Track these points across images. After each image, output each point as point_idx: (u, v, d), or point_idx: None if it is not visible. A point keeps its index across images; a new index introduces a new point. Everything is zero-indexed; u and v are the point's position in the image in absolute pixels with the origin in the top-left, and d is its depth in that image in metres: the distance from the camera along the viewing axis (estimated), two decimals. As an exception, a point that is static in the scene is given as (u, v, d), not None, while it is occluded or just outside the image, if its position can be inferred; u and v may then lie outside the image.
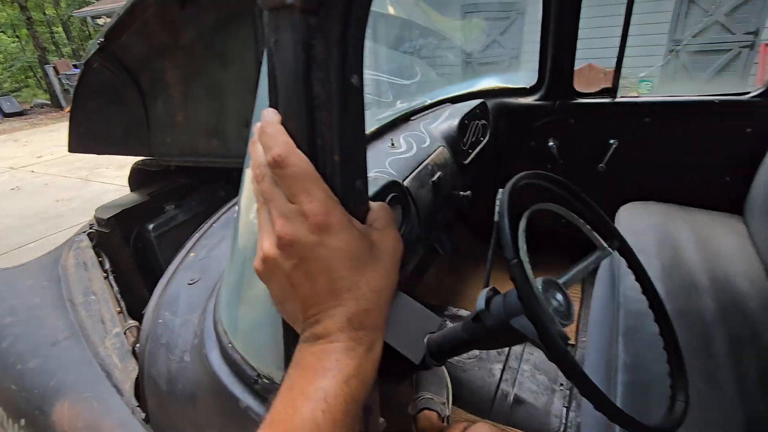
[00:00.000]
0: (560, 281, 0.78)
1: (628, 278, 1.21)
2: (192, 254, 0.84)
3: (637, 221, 1.44)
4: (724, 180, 1.49)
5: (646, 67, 6.02)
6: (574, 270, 0.81)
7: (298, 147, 0.31)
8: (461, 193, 1.35)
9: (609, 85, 1.56)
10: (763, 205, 1.30)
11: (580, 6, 1.42)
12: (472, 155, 1.45)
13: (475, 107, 1.49)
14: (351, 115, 0.32)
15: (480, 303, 0.79)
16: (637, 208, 1.51)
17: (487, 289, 0.78)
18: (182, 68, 1.38)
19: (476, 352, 1.45)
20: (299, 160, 0.30)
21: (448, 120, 1.39)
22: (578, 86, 1.61)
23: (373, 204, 0.38)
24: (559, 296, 0.72)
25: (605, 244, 0.84)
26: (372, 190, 0.91)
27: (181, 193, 1.76)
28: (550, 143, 1.68)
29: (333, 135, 0.32)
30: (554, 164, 1.72)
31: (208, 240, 0.87)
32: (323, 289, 0.30)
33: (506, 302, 0.73)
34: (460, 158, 1.36)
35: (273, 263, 0.31)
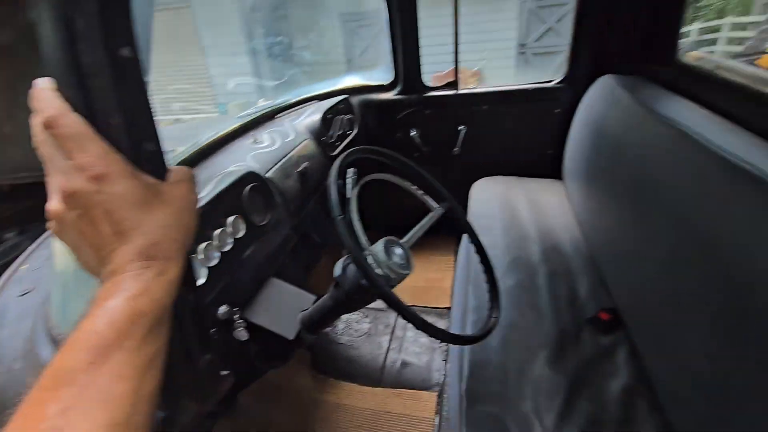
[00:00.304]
0: (402, 240, 0.90)
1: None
2: (25, 266, 0.77)
3: (486, 193, 1.69)
4: (547, 153, 1.83)
5: (506, 68, 6.94)
6: (414, 230, 0.95)
7: (76, 111, 0.34)
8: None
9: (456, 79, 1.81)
10: (572, 170, 1.62)
11: (416, 14, 1.63)
12: (341, 147, 1.54)
13: (337, 103, 1.59)
14: (128, 83, 0.37)
15: (336, 271, 0.88)
16: (487, 182, 1.77)
17: (343, 258, 0.87)
18: (4, 72, 1.23)
19: (365, 329, 1.56)
20: (71, 120, 0.33)
21: (312, 115, 1.47)
22: (435, 82, 1.83)
23: (174, 167, 0.43)
24: (399, 251, 0.84)
25: (436, 205, 0.99)
26: (228, 181, 0.94)
27: (24, 218, 1.54)
28: (413, 133, 1.87)
29: (110, 101, 0.36)
30: (419, 152, 1.92)
31: (45, 250, 0.81)
32: (108, 231, 0.34)
33: None
34: (327, 150, 1.44)
35: (60, 218, 0.34)
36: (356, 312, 1.62)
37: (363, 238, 0.72)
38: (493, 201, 1.61)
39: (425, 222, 0.96)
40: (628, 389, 0.88)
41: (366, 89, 1.87)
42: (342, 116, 1.60)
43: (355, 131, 1.72)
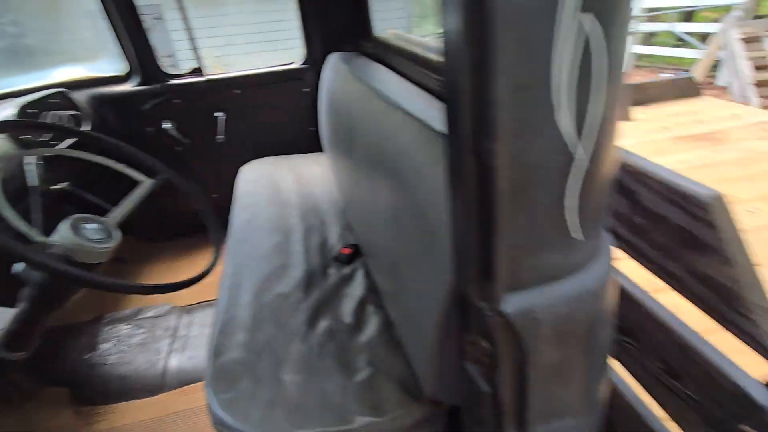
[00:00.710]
0: (107, 216, 0.84)
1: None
2: None
3: (253, 174, 1.72)
4: (309, 129, 1.97)
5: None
6: (122, 204, 0.90)
7: None
8: (52, 187, 1.23)
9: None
10: (326, 141, 1.80)
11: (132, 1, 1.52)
12: (62, 146, 1.33)
13: (45, 97, 1.36)
14: None
15: (16, 267, 0.76)
16: (255, 164, 1.81)
17: None
18: None
19: (138, 340, 1.41)
20: None
21: (2, 112, 1.22)
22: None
23: None
24: (92, 226, 0.79)
25: (143, 177, 0.96)
26: None
27: None
28: (166, 125, 1.75)
29: None
30: (180, 144, 1.81)
31: None
32: None
33: None
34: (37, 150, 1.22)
35: None
36: (126, 326, 1.44)
37: (16, 221, 0.65)
38: (260, 180, 1.66)
39: (136, 195, 0.92)
40: (362, 300, 1.05)
41: (96, 82, 1.66)
42: (58, 112, 1.38)
43: (87, 128, 1.51)
